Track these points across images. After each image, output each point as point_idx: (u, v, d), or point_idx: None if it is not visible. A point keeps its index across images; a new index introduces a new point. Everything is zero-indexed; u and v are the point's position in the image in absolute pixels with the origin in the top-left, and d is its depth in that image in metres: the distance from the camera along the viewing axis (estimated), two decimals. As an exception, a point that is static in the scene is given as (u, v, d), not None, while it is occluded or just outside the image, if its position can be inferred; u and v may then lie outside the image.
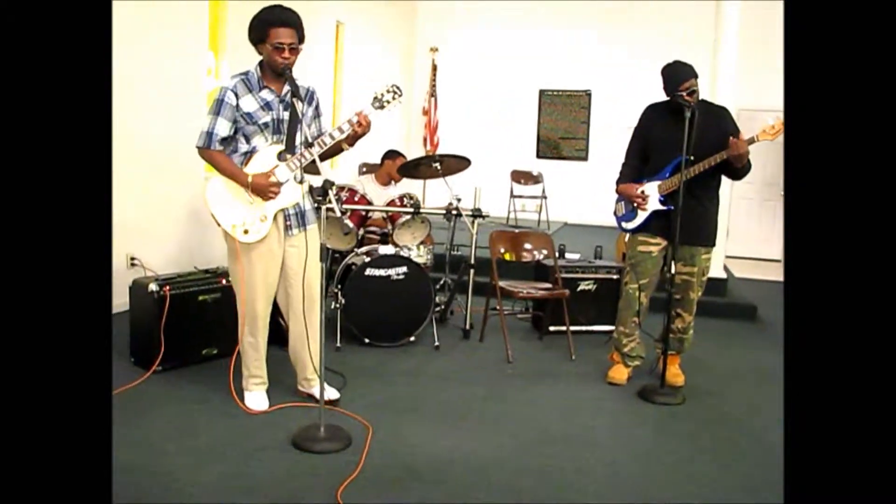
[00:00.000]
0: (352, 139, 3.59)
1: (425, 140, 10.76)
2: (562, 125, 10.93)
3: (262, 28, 3.45)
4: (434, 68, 10.81)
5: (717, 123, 4.14)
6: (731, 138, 3.97)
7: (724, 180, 4.28)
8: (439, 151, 10.25)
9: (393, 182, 6.08)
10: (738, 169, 4.08)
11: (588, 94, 10.77)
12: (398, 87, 3.60)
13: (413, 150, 10.40)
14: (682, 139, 3.98)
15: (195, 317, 4.30)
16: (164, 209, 5.60)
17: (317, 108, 3.73)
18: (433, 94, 10.79)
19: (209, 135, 3.50)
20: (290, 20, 3.47)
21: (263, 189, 3.48)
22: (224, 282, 4.38)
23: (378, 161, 6.13)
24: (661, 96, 4.24)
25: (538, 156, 11.02)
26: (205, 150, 3.54)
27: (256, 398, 3.75)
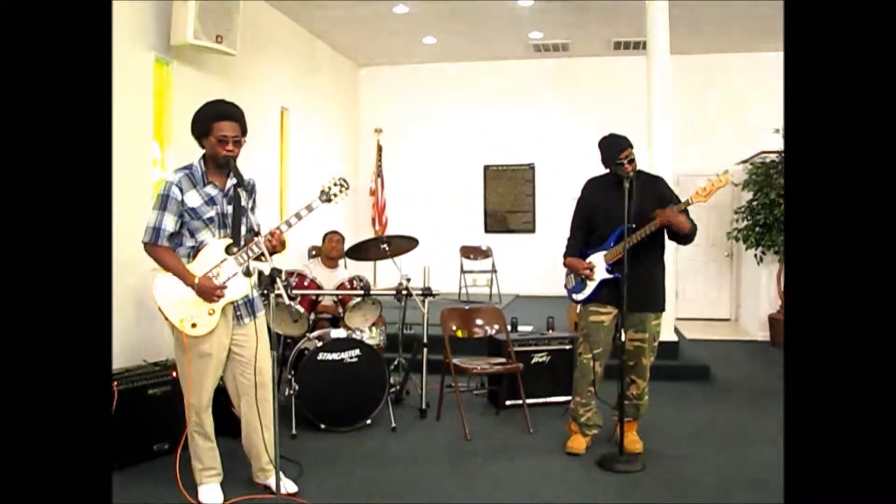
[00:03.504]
0: (268, 251, 3.53)
1: (373, 221, 10.79)
2: (508, 199, 11.08)
3: (205, 122, 3.49)
4: (379, 149, 10.92)
5: (654, 191, 4.28)
6: (657, 210, 4.11)
7: (669, 245, 4.39)
8: (388, 231, 10.30)
9: (343, 264, 6.09)
10: (683, 235, 4.20)
11: (531, 167, 10.98)
12: (345, 180, 3.63)
13: (361, 232, 10.41)
14: (622, 209, 4.08)
15: (145, 412, 4.19)
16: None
17: (253, 201, 3.72)
18: (379, 174, 10.87)
19: (156, 230, 3.47)
20: (233, 114, 3.52)
21: (209, 292, 3.44)
22: (174, 374, 4.30)
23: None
24: (601, 166, 4.36)
25: (486, 230, 11.12)
26: (151, 247, 3.50)
27: (211, 491, 3.63)
